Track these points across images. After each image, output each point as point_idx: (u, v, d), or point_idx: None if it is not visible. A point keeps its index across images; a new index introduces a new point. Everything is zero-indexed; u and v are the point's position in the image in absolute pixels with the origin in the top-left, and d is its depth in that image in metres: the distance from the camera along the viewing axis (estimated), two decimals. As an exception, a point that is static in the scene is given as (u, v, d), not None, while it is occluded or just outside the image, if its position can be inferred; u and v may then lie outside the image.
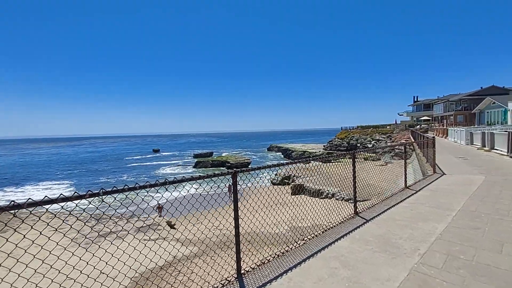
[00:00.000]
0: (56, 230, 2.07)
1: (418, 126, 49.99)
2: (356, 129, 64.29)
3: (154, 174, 45.93)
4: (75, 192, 2.10)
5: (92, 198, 2.00)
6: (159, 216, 19.90)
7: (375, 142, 53.49)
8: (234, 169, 2.40)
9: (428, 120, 56.36)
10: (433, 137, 8.05)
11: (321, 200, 19.14)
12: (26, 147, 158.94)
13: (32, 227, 1.95)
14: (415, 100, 70.68)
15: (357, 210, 4.39)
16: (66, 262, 2.43)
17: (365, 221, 3.97)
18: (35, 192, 33.80)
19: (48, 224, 2.20)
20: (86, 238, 13.49)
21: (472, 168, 8.81)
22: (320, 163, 48.46)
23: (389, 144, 47.72)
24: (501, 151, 12.01)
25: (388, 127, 61.11)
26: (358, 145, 55.23)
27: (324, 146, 65.16)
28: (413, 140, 29.68)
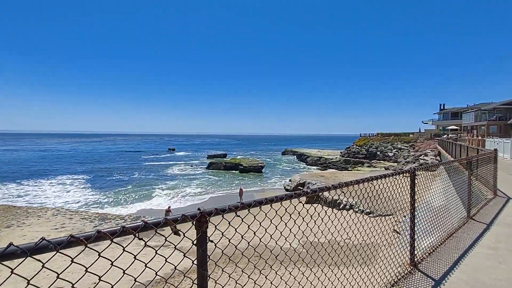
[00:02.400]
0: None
1: (445, 136, 46.50)
2: (376, 136, 61.22)
3: (164, 173, 45.54)
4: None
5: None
6: (166, 219, 18.87)
7: (396, 151, 50.44)
8: (201, 212, 1.04)
9: (456, 129, 52.53)
10: (495, 149, 6.33)
11: (339, 211, 17.39)
12: (50, 141, 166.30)
13: None
14: (442, 108, 66.48)
15: (415, 258, 2.88)
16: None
17: (433, 283, 2.47)
18: (50, 187, 34.06)
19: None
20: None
21: (543, 192, 6.90)
22: (336, 170, 46.29)
23: (427, 156, 44.66)
24: None
25: (411, 135, 57.66)
26: (378, 153, 52.32)
27: (341, 152, 62.52)
28: (443, 151, 27.04)
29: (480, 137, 29.93)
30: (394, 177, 2.56)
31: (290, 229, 1.90)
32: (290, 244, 1.80)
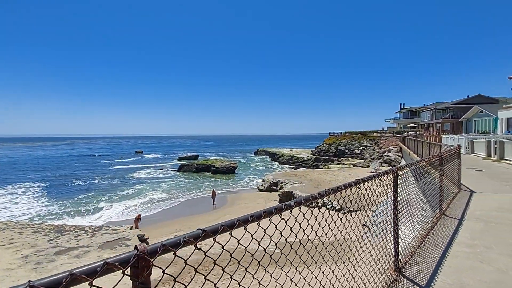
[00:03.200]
0: None
1: (405, 134, 49.83)
2: (344, 135, 63.84)
3: (130, 178, 42.92)
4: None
5: None
6: (135, 228, 17.58)
7: (363, 148, 52.98)
8: (138, 254, 0.65)
9: (415, 127, 56.57)
10: (458, 145, 6.64)
11: (313, 209, 17.58)
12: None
13: None
14: (402, 107, 71.29)
15: (400, 263, 2.69)
16: None
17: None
18: (-4, 196, 30.35)
19: None
20: (39, 256, 11.24)
21: (501, 184, 7.43)
22: (308, 168, 47.35)
23: (386, 152, 47.22)
24: (515, 162, 10.89)
25: (375, 133, 61.00)
26: (346, 151, 54.56)
27: (312, 151, 64.21)
28: (405, 147, 28.79)
29: (437, 134, 32.40)
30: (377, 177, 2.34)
31: (264, 230, 1.53)
32: (258, 245, 1.44)
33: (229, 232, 1.02)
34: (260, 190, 28.90)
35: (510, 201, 5.44)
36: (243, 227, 1.11)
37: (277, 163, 61.07)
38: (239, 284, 1.19)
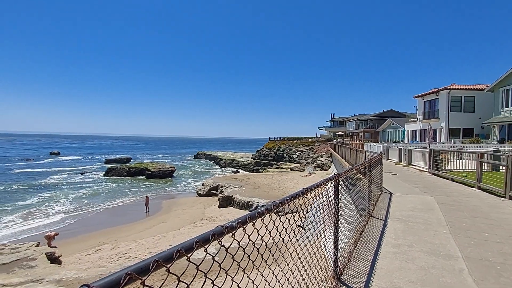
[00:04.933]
0: None
1: (335, 141, 55.23)
2: (282, 140, 67.05)
3: (41, 183, 36.02)
4: None
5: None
6: (48, 245, 14.58)
7: (299, 153, 56.57)
8: None
9: (342, 135, 63.30)
10: (381, 152, 7.51)
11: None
12: None
13: None
14: (332, 117, 79.13)
15: (339, 269, 2.68)
16: None
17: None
18: None
19: None
20: None
21: (412, 186, 8.63)
22: (248, 172, 48.05)
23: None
24: (420, 167, 13.01)
25: (310, 139, 65.91)
26: (285, 155, 57.40)
27: (252, 155, 65.51)
28: (335, 153, 31.72)
29: (360, 142, 36.80)
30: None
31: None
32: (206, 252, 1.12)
33: (141, 282, 0.66)
34: (199, 195, 27.85)
35: (422, 201, 6.34)
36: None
37: (217, 166, 60.24)
38: None
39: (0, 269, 10.66)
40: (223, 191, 25.62)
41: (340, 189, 2.73)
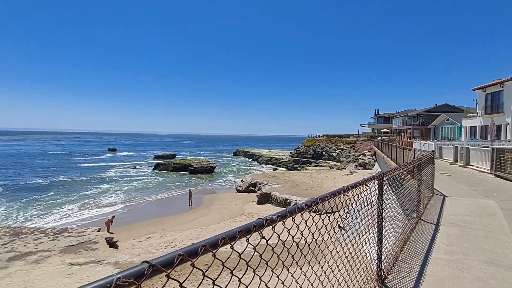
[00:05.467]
0: None
1: (379, 138, 51.91)
2: (322, 138, 65.21)
3: (101, 176, 40.53)
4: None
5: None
6: (107, 230, 16.50)
7: (339, 151, 54.45)
8: None
9: (388, 132, 59.14)
10: (433, 151, 6.85)
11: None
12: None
13: None
14: (376, 113, 74.35)
15: (383, 273, 2.56)
16: None
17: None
18: None
19: None
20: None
21: (469, 188, 7.75)
22: (286, 170, 47.79)
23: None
24: (480, 168, 11.56)
25: (351, 137, 62.96)
26: (324, 153, 55.75)
27: (291, 153, 64.93)
28: (379, 151, 29.88)
29: (408, 139, 34.02)
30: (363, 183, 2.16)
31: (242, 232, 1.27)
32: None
33: (191, 264, 0.75)
34: (238, 191, 28.58)
35: (480, 206, 5.66)
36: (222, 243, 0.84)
37: (255, 164, 61.06)
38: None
39: (69, 250, 12.34)
40: (261, 188, 25.92)
41: (384, 188, 2.60)
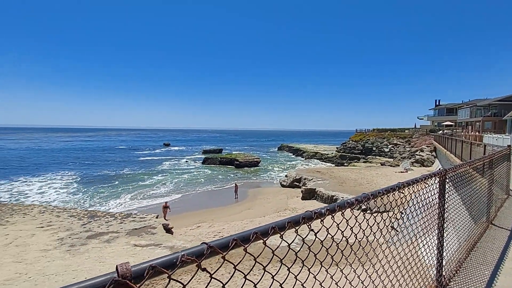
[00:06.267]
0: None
1: (440, 132, 46.49)
2: (372, 132, 61.07)
3: (157, 168, 44.65)
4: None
5: None
6: (163, 217, 18.24)
7: (392, 147, 50.36)
8: (115, 280, 0.47)
9: (451, 125, 52.53)
10: (509, 146, 5.86)
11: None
12: (41, 136, 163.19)
13: None
14: (437, 103, 66.48)
15: (443, 279, 2.33)
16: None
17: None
18: (39, 183, 33.13)
19: None
20: (73, 239, 11.97)
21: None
22: (332, 166, 46.08)
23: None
24: None
25: (406, 131, 57.64)
26: (374, 148, 52.19)
27: (337, 148, 62.35)
28: (441, 147, 26.86)
29: (477, 133, 29.77)
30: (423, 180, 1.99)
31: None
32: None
33: (243, 249, 0.81)
34: (283, 186, 28.61)
35: None
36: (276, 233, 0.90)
37: (300, 159, 60.22)
38: (254, 284, 0.98)
39: (133, 233, 13.92)
40: (306, 184, 25.53)
41: (447, 187, 2.35)
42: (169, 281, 0.65)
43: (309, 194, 22.66)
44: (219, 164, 47.10)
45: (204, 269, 0.71)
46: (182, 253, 0.69)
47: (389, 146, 50.72)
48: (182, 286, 0.67)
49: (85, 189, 29.30)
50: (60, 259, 8.74)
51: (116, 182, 32.75)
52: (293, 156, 66.40)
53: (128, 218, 16.12)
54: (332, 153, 57.73)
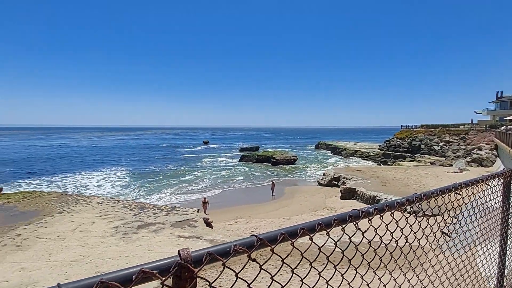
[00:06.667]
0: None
1: (503, 128, 40.94)
2: (420, 128, 56.27)
3: (197, 165, 46.90)
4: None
5: None
6: (203, 211, 19.19)
7: (444, 144, 45.82)
8: (179, 263, 0.53)
9: (518, 120, 45.84)
10: None
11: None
12: (99, 135, 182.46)
13: None
14: (499, 95, 58.53)
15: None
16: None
17: None
18: (97, 177, 37.06)
19: None
20: (126, 228, 13.18)
21: None
22: (374, 164, 43.57)
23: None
24: None
25: (461, 127, 51.92)
26: (422, 146, 48.01)
27: (379, 146, 58.75)
28: (504, 145, 23.78)
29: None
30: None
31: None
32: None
33: (291, 243, 0.83)
34: (320, 185, 27.94)
35: None
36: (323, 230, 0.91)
37: (338, 157, 58.07)
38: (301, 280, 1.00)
39: (177, 224, 14.86)
40: (345, 183, 24.58)
41: (512, 189, 2.08)
42: (224, 268, 0.69)
43: (349, 194, 21.77)
44: (256, 162, 47.70)
45: (254, 260, 0.75)
46: (235, 243, 0.73)
47: (440, 144, 46.24)
48: (234, 273, 0.72)
49: (135, 183, 32.06)
50: (115, 245, 9.69)
51: (161, 177, 35.23)
52: (331, 154, 64.33)
53: (172, 210, 17.23)
54: (374, 151, 54.58)
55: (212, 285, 0.67)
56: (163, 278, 0.59)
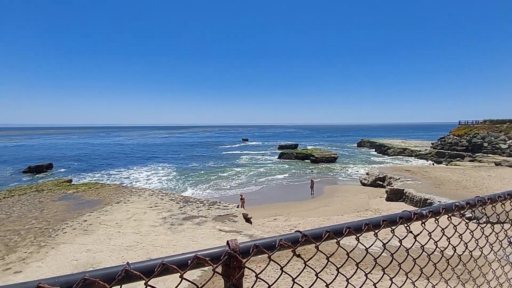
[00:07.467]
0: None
1: None
2: (482, 124, 49.72)
3: (237, 162, 48.09)
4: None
5: None
6: (241, 207, 19.73)
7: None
8: (229, 252, 0.57)
9: None
10: None
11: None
12: (150, 133, 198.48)
13: None
14: None
15: None
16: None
17: None
18: (148, 172, 40.41)
19: None
20: (173, 219, 14.14)
21: None
22: (426, 164, 39.80)
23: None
24: None
25: (537, 122, 44.57)
26: (485, 144, 42.39)
27: (432, 143, 53.42)
28: None
29: None
30: None
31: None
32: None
33: (336, 242, 0.81)
34: (363, 184, 26.52)
35: None
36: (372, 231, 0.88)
37: (384, 156, 54.33)
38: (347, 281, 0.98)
39: (218, 219, 15.48)
40: (391, 183, 22.94)
41: None
42: (269, 261, 0.71)
43: (396, 195, 20.28)
44: (295, 159, 47.15)
45: (298, 255, 0.76)
46: (280, 237, 0.75)
47: (507, 142, 40.34)
48: (279, 267, 0.73)
49: (178, 178, 34.20)
50: (164, 234, 10.47)
51: (202, 172, 36.98)
52: (375, 152, 60.49)
53: (214, 205, 17.98)
54: (425, 150, 49.87)
55: (258, 276, 0.69)
56: (214, 266, 0.63)
